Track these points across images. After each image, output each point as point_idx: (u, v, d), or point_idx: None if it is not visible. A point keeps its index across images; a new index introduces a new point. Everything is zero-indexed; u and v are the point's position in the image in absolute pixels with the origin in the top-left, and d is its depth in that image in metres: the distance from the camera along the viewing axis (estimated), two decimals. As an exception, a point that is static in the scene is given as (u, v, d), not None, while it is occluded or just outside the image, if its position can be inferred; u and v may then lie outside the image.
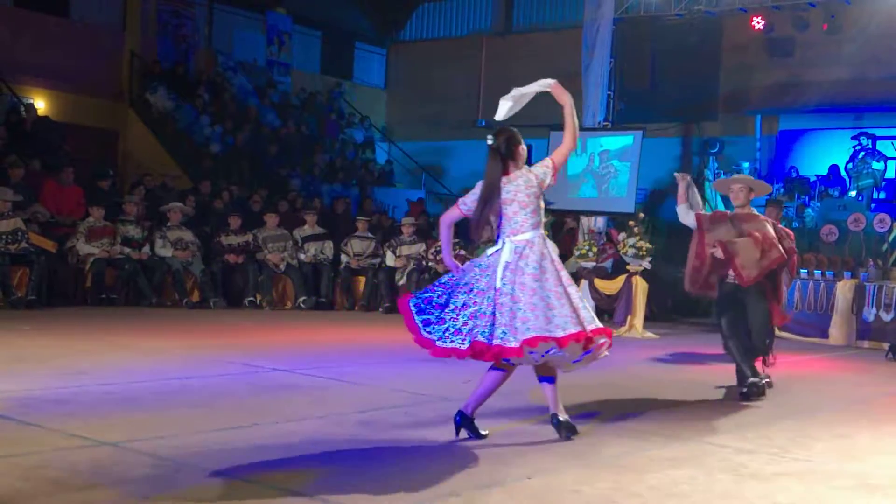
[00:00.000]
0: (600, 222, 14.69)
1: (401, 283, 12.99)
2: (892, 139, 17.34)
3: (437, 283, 5.05)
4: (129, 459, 4.18)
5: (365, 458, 4.43)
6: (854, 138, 17.00)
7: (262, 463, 4.22)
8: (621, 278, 11.85)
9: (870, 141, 16.88)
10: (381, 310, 12.83)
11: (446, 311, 4.86)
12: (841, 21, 15.79)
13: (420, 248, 13.31)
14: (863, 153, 16.77)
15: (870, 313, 11.19)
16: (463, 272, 4.99)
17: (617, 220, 14.57)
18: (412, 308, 4.91)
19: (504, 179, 5.01)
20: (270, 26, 20.94)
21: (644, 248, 11.83)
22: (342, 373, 7.05)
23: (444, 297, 4.92)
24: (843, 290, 11.41)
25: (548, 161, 5.08)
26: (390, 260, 13.21)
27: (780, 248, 6.69)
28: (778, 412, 6.29)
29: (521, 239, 4.92)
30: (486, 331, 4.73)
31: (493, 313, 4.76)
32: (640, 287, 11.64)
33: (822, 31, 15.99)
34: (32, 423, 4.75)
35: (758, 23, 16.31)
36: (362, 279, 13.20)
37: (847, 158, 17.01)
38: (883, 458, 5.05)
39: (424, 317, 4.87)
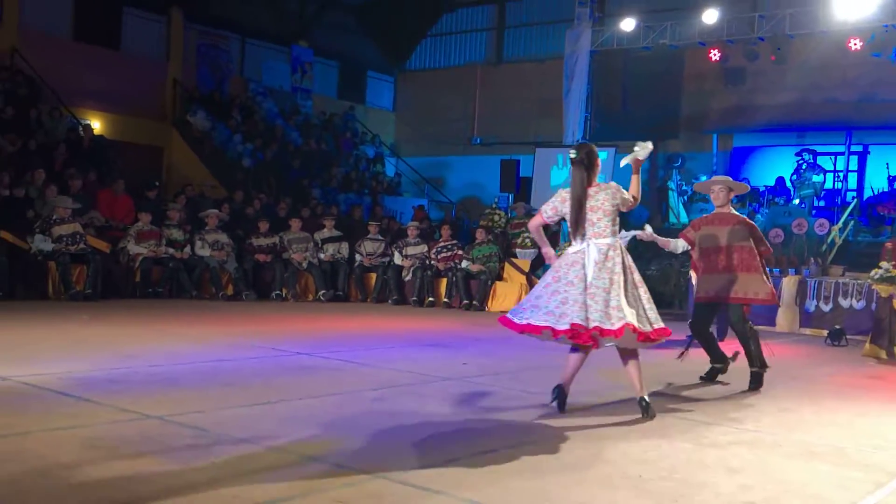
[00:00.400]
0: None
1: (407, 279, 12.98)
2: (830, 155, 17.36)
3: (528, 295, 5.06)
4: (173, 431, 4.17)
5: (379, 430, 4.41)
6: (797, 154, 17.02)
7: (287, 433, 4.20)
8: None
9: (811, 156, 16.90)
10: (390, 302, 12.81)
11: (538, 301, 4.85)
12: (786, 53, 15.81)
13: (423, 248, 13.29)
14: (805, 167, 16.79)
15: (811, 305, 11.23)
16: (552, 269, 4.96)
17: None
18: (509, 316, 4.94)
19: (591, 190, 4.98)
20: (294, 57, 20.96)
21: (617, 249, 11.79)
22: (356, 356, 7.04)
23: (534, 296, 4.92)
24: (789, 284, 11.43)
25: (628, 193, 5.07)
26: (398, 259, 13.19)
27: (760, 256, 6.56)
28: (732, 390, 6.30)
29: (603, 242, 4.89)
30: (581, 315, 4.69)
31: (585, 301, 4.72)
32: (613, 282, 11.63)
33: (771, 61, 16.02)
34: (89, 399, 4.75)
35: (714, 54, 16.33)
36: (374, 275, 13.19)
37: (791, 171, 17.02)
38: (823, 429, 5.05)
39: (519, 317, 4.88)
